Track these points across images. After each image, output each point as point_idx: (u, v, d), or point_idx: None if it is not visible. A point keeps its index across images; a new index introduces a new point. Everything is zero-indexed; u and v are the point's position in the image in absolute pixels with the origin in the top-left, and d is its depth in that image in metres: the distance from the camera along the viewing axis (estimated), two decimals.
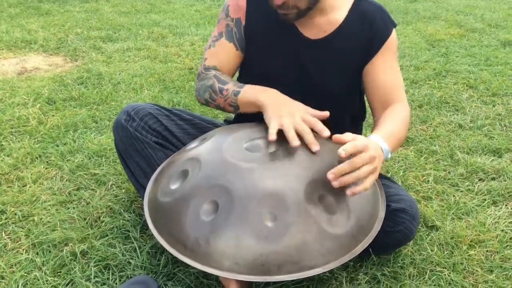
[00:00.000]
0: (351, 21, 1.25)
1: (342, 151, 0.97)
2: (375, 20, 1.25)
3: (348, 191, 1.00)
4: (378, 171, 1.04)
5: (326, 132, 1.10)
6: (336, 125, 1.27)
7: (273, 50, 1.28)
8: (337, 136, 1.02)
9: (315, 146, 1.09)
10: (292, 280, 1.21)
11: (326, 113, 1.16)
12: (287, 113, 1.13)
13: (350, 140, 1.00)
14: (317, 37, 1.26)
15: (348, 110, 1.38)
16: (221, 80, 1.26)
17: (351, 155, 0.99)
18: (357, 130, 1.46)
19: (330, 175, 0.99)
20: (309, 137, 1.10)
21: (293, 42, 1.26)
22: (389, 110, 1.24)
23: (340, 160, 1.01)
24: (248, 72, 1.34)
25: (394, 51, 1.29)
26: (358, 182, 1.01)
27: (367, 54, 1.26)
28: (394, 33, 1.27)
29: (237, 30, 1.29)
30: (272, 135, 1.09)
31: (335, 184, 0.99)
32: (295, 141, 1.08)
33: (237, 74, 1.41)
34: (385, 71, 1.26)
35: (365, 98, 1.37)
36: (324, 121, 1.15)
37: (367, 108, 1.46)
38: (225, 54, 1.31)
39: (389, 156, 1.11)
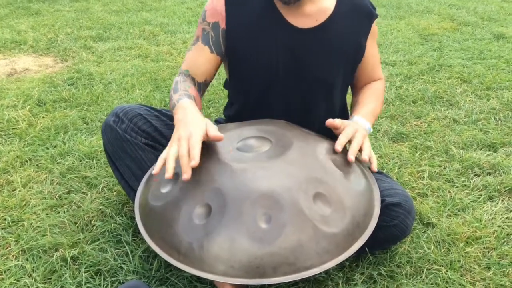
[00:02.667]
0: (342, 9, 1.28)
1: (339, 146, 1.17)
2: (362, 7, 1.31)
3: (364, 155, 1.18)
4: (366, 136, 1.23)
5: (193, 162, 1.01)
6: (329, 113, 1.36)
7: (265, 44, 1.26)
8: (330, 121, 1.22)
9: (185, 175, 1.02)
10: (288, 282, 1.19)
11: (221, 137, 1.08)
12: (176, 138, 1.07)
13: (339, 124, 1.21)
14: (309, 26, 1.26)
15: (341, 98, 1.42)
16: (175, 88, 1.26)
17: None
18: (346, 116, 1.48)
19: (351, 156, 1.16)
20: (183, 162, 1.03)
21: (285, 33, 1.25)
22: (367, 87, 1.41)
23: (334, 155, 1.18)
24: (240, 68, 1.33)
25: (376, 33, 1.39)
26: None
27: (361, 44, 1.33)
28: (377, 14, 1.37)
29: (214, 33, 1.29)
30: (155, 169, 1.05)
31: (352, 158, 1.16)
32: (183, 175, 1.02)
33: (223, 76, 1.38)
34: (370, 55, 1.37)
35: None
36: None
37: None
38: (200, 57, 1.31)
39: (371, 131, 1.32)
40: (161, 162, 1.05)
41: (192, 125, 1.08)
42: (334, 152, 1.17)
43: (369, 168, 1.23)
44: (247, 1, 1.26)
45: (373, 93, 1.39)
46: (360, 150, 1.19)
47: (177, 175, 1.12)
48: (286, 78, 1.28)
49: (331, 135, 1.28)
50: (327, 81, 1.31)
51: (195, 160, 1.01)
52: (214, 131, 1.08)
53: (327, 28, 1.26)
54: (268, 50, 1.26)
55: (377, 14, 1.34)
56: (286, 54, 1.26)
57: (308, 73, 1.28)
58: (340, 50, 1.29)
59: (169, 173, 1.02)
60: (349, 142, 1.21)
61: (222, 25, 1.28)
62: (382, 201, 1.19)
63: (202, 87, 1.33)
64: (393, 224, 1.20)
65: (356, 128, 1.21)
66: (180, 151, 1.03)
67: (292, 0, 1.20)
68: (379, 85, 1.43)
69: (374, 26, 1.35)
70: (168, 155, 1.04)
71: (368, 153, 1.18)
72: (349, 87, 1.45)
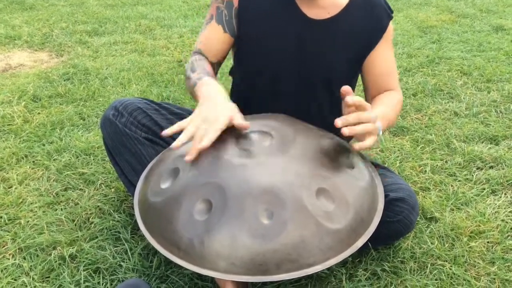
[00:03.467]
0: (355, 5, 1.25)
1: (339, 121, 1.01)
2: (376, 6, 1.27)
3: (356, 146, 1.07)
4: (375, 136, 1.08)
5: (202, 143, 1.02)
6: (334, 106, 1.28)
7: (274, 30, 1.25)
8: (345, 88, 1.03)
9: (188, 156, 1.02)
10: (291, 279, 1.17)
11: (247, 125, 1.07)
12: (201, 117, 1.06)
13: (357, 100, 1.03)
14: (321, 17, 1.24)
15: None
16: (193, 67, 1.24)
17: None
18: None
19: (338, 121, 1.01)
20: (194, 144, 1.02)
21: (295, 20, 1.24)
22: (384, 95, 1.30)
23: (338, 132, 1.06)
24: (248, 52, 1.31)
25: (391, 38, 1.32)
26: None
27: (371, 41, 1.28)
28: (392, 17, 1.30)
29: (227, 12, 1.27)
30: (174, 144, 1.03)
31: (346, 131, 1.01)
32: (190, 154, 1.02)
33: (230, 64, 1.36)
34: (384, 59, 1.30)
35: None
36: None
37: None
38: (214, 37, 1.29)
39: (381, 133, 1.13)
40: (177, 129, 1.04)
41: (220, 109, 1.06)
42: (337, 147, 1.15)
43: (358, 154, 1.15)
44: None
45: (387, 100, 1.28)
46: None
47: (176, 170, 1.10)
48: (293, 66, 1.26)
49: (334, 129, 1.26)
50: (332, 73, 1.28)
51: (205, 143, 1.01)
52: (240, 119, 1.06)
53: (337, 22, 1.24)
54: (278, 36, 1.25)
55: (391, 16, 1.29)
56: (295, 43, 1.24)
57: (314, 63, 1.26)
58: (348, 45, 1.26)
59: (176, 145, 1.01)
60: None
61: (236, 3, 1.26)
62: (386, 196, 1.17)
63: (215, 67, 1.33)
64: (397, 220, 1.19)
65: (372, 117, 1.05)
66: (198, 132, 1.03)
67: None
68: (396, 96, 1.31)
69: (389, 31, 1.29)
70: (185, 130, 1.03)
71: (360, 130, 1.03)
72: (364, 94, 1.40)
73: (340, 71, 1.29)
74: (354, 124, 1.03)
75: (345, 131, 1.01)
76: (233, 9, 1.26)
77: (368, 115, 1.04)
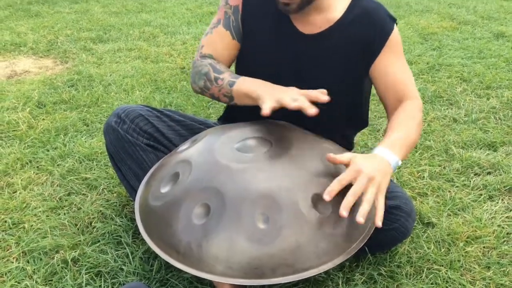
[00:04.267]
0: (349, 19, 1.23)
1: (327, 196, 0.97)
2: (375, 17, 1.23)
3: (377, 221, 0.98)
4: (384, 187, 1.01)
5: (323, 97, 1.08)
6: (330, 123, 1.28)
7: (269, 43, 1.26)
8: (331, 157, 1.03)
9: (311, 109, 1.05)
10: (287, 283, 1.19)
11: (324, 94, 1.11)
12: (281, 91, 1.12)
13: (346, 160, 1.01)
14: (312, 32, 1.24)
15: (345, 109, 1.33)
16: (216, 69, 1.23)
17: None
18: (353, 134, 1.44)
19: (342, 211, 0.96)
20: (304, 103, 1.06)
21: (290, 36, 1.25)
22: (398, 111, 1.22)
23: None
24: (244, 64, 1.33)
25: (399, 47, 1.27)
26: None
27: (371, 53, 1.25)
28: (396, 28, 1.26)
29: (234, 18, 1.27)
30: (266, 110, 1.06)
31: (360, 220, 0.95)
32: (310, 109, 1.05)
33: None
34: (393, 68, 1.25)
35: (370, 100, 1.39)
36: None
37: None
38: (221, 41, 1.28)
39: (399, 163, 1.09)
40: (269, 105, 1.08)
41: (290, 88, 1.13)
42: (334, 153, 1.16)
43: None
44: None
45: (404, 118, 1.19)
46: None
47: (176, 174, 1.13)
48: (288, 82, 1.23)
49: (331, 137, 1.28)
50: (325, 88, 1.21)
51: (324, 96, 1.09)
52: (307, 91, 1.11)
53: (328, 36, 1.23)
54: (273, 50, 1.26)
55: (391, 27, 1.24)
56: (292, 59, 1.25)
57: (307, 78, 1.26)
58: (343, 58, 1.25)
59: (312, 110, 1.05)
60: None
61: (240, 10, 1.26)
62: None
63: None
64: (393, 227, 1.20)
65: (359, 169, 0.99)
66: (296, 97, 1.08)
67: (291, 10, 1.17)
68: (413, 108, 1.23)
69: (394, 40, 1.24)
70: (286, 101, 1.07)
71: (364, 212, 0.95)
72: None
73: (336, 84, 1.26)
74: (355, 199, 0.97)
75: (360, 220, 0.95)
76: (239, 15, 1.27)
77: (362, 180, 0.97)
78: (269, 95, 1.11)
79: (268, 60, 1.27)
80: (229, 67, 1.33)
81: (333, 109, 1.21)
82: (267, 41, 1.26)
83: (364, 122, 1.43)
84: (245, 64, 1.32)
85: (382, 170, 1.02)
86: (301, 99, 1.07)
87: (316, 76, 1.26)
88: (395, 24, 1.26)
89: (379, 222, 0.97)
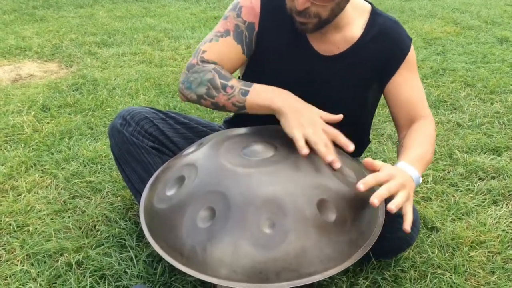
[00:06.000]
0: (368, 38, 1.21)
1: (361, 185, 0.97)
2: (393, 36, 1.22)
3: (405, 226, 1.00)
4: (411, 197, 1.03)
5: (351, 146, 1.07)
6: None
7: (284, 62, 1.23)
8: (369, 161, 1.03)
9: (337, 163, 1.05)
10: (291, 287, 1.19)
11: (340, 117, 1.11)
12: (308, 123, 1.08)
13: (378, 166, 1.02)
14: (331, 53, 1.22)
15: (357, 131, 1.32)
16: (223, 76, 1.15)
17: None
18: (360, 153, 1.44)
19: (374, 200, 0.96)
20: (330, 152, 1.06)
21: (305, 56, 1.22)
22: (414, 129, 1.22)
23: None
24: (254, 77, 1.26)
25: (414, 66, 1.26)
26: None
27: (387, 71, 1.24)
28: (412, 47, 1.26)
29: (248, 34, 1.21)
30: (304, 149, 1.05)
31: (376, 202, 0.96)
32: (329, 156, 1.04)
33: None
34: (408, 87, 1.24)
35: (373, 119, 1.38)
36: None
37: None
38: (229, 53, 1.21)
39: (420, 181, 1.10)
40: (304, 143, 1.06)
41: (312, 110, 1.11)
42: (339, 158, 1.16)
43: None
44: (281, 10, 1.17)
45: (420, 136, 1.20)
46: (392, 198, 1.00)
47: (182, 178, 1.13)
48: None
49: (339, 147, 1.26)
50: (342, 110, 1.17)
51: (352, 145, 1.08)
52: (326, 115, 1.10)
53: (346, 57, 1.21)
54: (288, 70, 1.23)
55: (408, 46, 1.24)
56: (305, 79, 1.23)
57: (321, 99, 1.20)
58: (359, 79, 1.23)
59: (331, 156, 1.05)
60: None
61: (256, 28, 1.21)
62: (387, 213, 1.17)
63: None
64: (397, 236, 1.20)
65: (393, 174, 1.01)
66: (326, 142, 1.06)
67: (308, 30, 1.14)
68: (428, 127, 1.23)
69: (411, 58, 1.24)
70: (314, 141, 1.06)
71: (397, 203, 0.97)
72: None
73: (351, 106, 1.24)
74: (375, 184, 1.00)
75: (392, 208, 0.97)
76: (254, 33, 1.22)
77: (395, 183, 0.99)
78: (295, 122, 1.08)
79: (279, 77, 1.22)
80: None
81: (346, 132, 1.16)
82: (280, 58, 1.23)
83: (368, 141, 1.44)
84: (255, 77, 1.25)
85: (409, 182, 1.04)
86: (328, 145, 1.06)
87: (331, 98, 1.23)
88: (411, 43, 1.26)
89: (408, 227, 0.99)
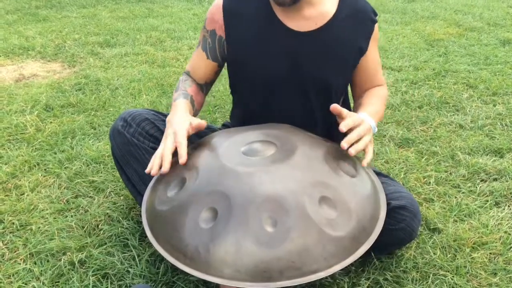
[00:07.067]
0: (343, 13, 1.28)
1: (344, 127, 1.12)
2: (365, 11, 1.32)
3: (364, 163, 1.16)
4: (372, 140, 1.21)
5: (181, 160, 1.14)
6: (331, 116, 1.30)
7: (264, 51, 1.28)
8: (337, 108, 1.15)
9: (162, 168, 1.14)
10: (294, 286, 1.19)
11: (203, 125, 1.20)
12: (163, 137, 1.19)
13: (346, 114, 1.16)
14: (308, 29, 1.26)
15: (344, 101, 1.45)
16: (177, 87, 1.36)
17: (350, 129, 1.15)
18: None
19: (344, 143, 1.11)
20: (164, 158, 1.14)
21: (284, 38, 1.26)
22: (371, 92, 1.41)
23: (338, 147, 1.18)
24: (243, 78, 1.35)
25: (377, 37, 1.39)
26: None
27: (362, 47, 1.33)
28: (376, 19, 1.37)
29: (210, 40, 1.34)
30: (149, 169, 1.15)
31: (352, 151, 1.12)
32: (151, 170, 1.14)
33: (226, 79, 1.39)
34: (372, 59, 1.38)
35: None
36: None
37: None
38: (199, 61, 1.38)
39: (376, 130, 1.27)
40: (156, 161, 1.14)
41: (176, 123, 1.18)
42: (339, 155, 1.18)
43: (359, 162, 1.22)
44: (244, 8, 1.28)
45: (376, 96, 1.39)
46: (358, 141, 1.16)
47: (183, 179, 1.13)
48: (287, 82, 1.29)
49: (335, 138, 1.29)
50: (327, 84, 1.32)
51: (183, 158, 1.13)
52: (196, 121, 1.20)
53: (326, 32, 1.27)
54: (268, 57, 1.27)
55: (375, 21, 1.34)
56: (287, 59, 1.27)
57: (308, 76, 1.29)
58: (340, 54, 1.30)
59: (153, 170, 1.13)
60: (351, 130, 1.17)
61: (219, 32, 1.32)
62: (388, 204, 1.19)
63: (204, 87, 1.40)
64: (399, 228, 1.20)
65: (362, 119, 1.18)
66: (165, 149, 1.14)
67: (286, 2, 1.20)
68: (383, 90, 1.43)
69: (376, 30, 1.36)
70: (155, 154, 1.15)
71: (362, 146, 1.15)
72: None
73: (332, 80, 1.32)
74: (357, 141, 1.15)
75: (352, 151, 1.12)
76: (216, 38, 1.32)
77: (364, 127, 1.16)
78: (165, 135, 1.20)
79: (259, 60, 1.28)
80: (210, 81, 1.42)
81: (330, 103, 1.24)
82: (255, 44, 1.28)
83: (350, 109, 1.51)
84: (240, 73, 1.35)
85: (370, 129, 1.20)
86: (165, 153, 1.15)
87: (314, 73, 1.29)
88: (376, 19, 1.36)
89: (365, 163, 1.16)
